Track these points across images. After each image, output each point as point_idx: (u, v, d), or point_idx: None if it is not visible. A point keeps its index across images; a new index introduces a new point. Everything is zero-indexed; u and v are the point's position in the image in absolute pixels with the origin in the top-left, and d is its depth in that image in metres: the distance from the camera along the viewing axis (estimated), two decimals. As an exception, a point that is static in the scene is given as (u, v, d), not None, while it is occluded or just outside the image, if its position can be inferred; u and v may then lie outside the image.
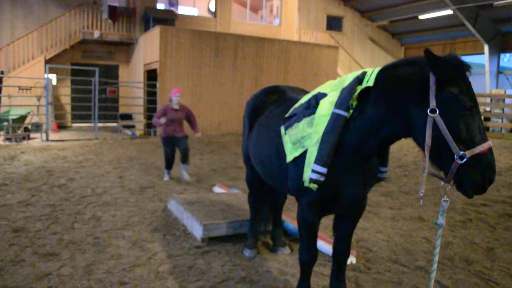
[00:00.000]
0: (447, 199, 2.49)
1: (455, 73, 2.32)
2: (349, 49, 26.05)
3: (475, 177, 2.27)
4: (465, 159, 2.24)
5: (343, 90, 2.72)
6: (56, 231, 4.85)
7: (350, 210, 3.07)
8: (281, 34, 21.37)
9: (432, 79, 2.35)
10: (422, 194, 2.48)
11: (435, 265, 2.59)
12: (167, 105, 7.70)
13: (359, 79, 2.68)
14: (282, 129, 3.10)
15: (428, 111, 2.33)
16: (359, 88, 2.65)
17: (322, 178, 2.68)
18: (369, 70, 2.70)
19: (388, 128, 2.57)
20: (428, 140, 2.35)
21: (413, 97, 2.42)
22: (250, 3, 22.22)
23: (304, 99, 3.15)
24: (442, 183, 2.37)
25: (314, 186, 2.72)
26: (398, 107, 2.48)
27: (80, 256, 4.16)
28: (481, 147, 2.25)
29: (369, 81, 2.62)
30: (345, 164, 2.73)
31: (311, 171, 2.70)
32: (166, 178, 7.87)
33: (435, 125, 2.32)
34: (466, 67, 2.35)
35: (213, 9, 21.33)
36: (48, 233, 4.77)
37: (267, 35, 19.29)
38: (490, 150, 2.28)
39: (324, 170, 2.66)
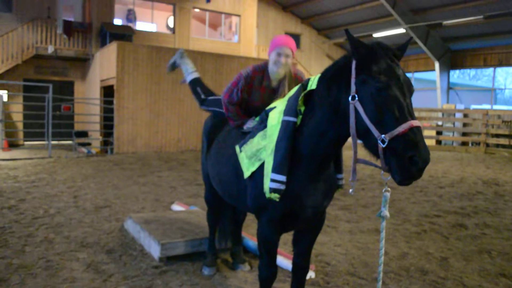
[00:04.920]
0: (389, 188, 2.47)
1: (372, 55, 2.32)
2: (306, 66, 26.60)
3: (397, 160, 2.18)
4: (386, 143, 2.18)
5: (290, 98, 2.79)
6: (5, 255, 4.61)
7: (311, 224, 3.05)
8: (240, 50, 21.57)
9: (353, 66, 2.37)
10: (353, 183, 2.45)
11: (382, 259, 2.59)
12: None
13: (304, 85, 2.75)
14: (237, 148, 3.07)
15: (350, 98, 2.35)
16: (303, 93, 2.71)
17: (282, 187, 2.64)
18: (312, 77, 2.76)
19: (334, 127, 2.55)
20: (352, 128, 2.36)
21: (343, 89, 2.44)
22: (209, 20, 22.34)
23: (258, 117, 3.21)
24: (382, 172, 2.33)
25: (275, 196, 2.67)
26: (335, 102, 2.49)
27: (31, 281, 3.96)
28: (401, 128, 2.15)
29: (312, 85, 2.67)
30: (304, 173, 2.71)
31: (270, 181, 2.66)
32: None
33: (357, 112, 2.32)
34: (383, 47, 2.34)
35: (171, 25, 21.28)
36: (-4, 257, 4.53)
37: (226, 52, 19.42)
38: (413, 130, 2.16)
39: (282, 178, 2.63)
